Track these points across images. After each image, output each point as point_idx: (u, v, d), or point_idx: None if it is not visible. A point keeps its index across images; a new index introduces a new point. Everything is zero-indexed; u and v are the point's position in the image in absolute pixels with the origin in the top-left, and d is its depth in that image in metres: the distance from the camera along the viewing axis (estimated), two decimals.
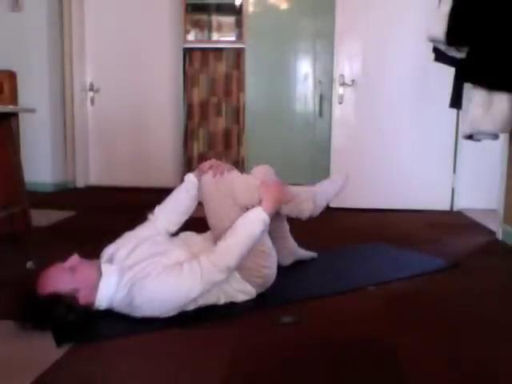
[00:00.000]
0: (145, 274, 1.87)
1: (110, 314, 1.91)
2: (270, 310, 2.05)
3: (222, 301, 2.05)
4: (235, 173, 2.23)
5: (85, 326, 1.81)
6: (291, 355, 1.70)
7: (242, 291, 2.09)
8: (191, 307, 1.98)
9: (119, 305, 1.89)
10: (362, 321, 2.00)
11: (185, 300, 1.91)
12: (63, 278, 1.83)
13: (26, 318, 1.80)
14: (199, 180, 2.23)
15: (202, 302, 2.00)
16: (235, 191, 2.13)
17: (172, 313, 1.92)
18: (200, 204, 2.25)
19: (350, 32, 4.22)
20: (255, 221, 2.04)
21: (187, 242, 2.14)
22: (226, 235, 2.00)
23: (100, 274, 1.91)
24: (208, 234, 2.23)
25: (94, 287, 1.87)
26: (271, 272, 2.17)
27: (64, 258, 1.90)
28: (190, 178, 2.26)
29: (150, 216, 2.25)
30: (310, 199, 2.38)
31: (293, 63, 4.97)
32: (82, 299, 1.83)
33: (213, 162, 2.22)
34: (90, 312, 1.86)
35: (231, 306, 2.06)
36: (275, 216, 2.48)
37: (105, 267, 1.95)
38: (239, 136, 5.12)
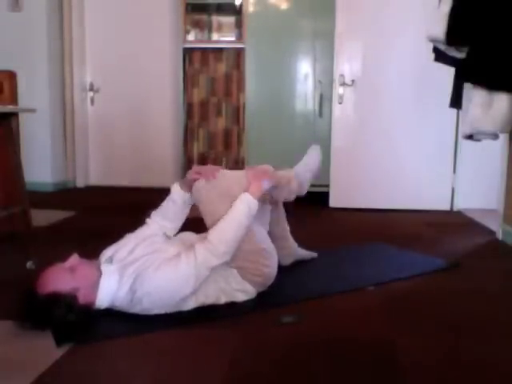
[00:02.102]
0: (146, 266, 1.90)
1: (110, 313, 1.92)
2: (270, 310, 2.05)
3: (223, 300, 2.06)
4: (223, 171, 2.24)
5: (85, 325, 1.81)
6: (291, 355, 1.70)
7: (241, 290, 2.09)
8: (191, 305, 1.98)
9: (121, 302, 1.90)
10: (362, 321, 2.00)
11: (184, 288, 1.91)
12: (63, 277, 1.84)
13: (25, 318, 1.80)
14: (187, 191, 2.23)
15: (202, 300, 2.00)
16: (231, 188, 2.15)
17: (172, 307, 1.92)
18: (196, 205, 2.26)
19: (350, 32, 4.23)
20: (239, 203, 2.06)
21: (185, 241, 2.14)
22: (217, 223, 2.03)
23: (100, 273, 1.92)
24: (201, 234, 2.23)
25: (95, 287, 1.88)
26: (271, 271, 2.17)
27: (64, 258, 1.91)
28: (176, 189, 2.26)
29: (148, 220, 2.27)
30: (293, 179, 2.45)
31: (293, 63, 4.97)
32: (82, 299, 1.83)
33: (196, 168, 2.24)
34: (90, 312, 1.87)
35: (231, 305, 2.06)
36: (275, 216, 2.49)
37: (105, 267, 1.95)
38: (239, 136, 5.12)
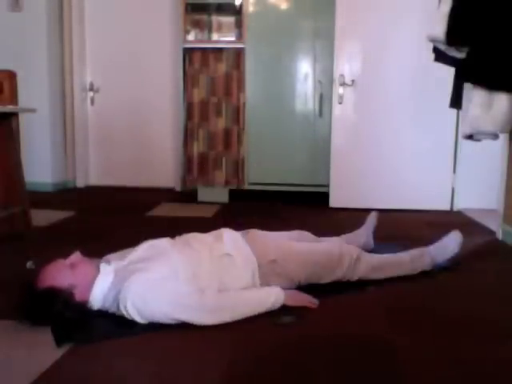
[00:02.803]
0: (135, 273, 1.86)
1: (109, 314, 1.91)
2: (270, 311, 2.04)
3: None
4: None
5: (81, 323, 1.81)
6: (291, 355, 1.70)
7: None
8: None
9: (111, 305, 1.89)
10: (362, 321, 2.00)
11: (165, 317, 1.85)
12: (62, 273, 1.85)
13: (25, 313, 1.82)
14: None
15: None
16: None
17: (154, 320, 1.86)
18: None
19: (350, 32, 4.23)
20: (272, 293, 2.02)
21: (189, 242, 2.13)
22: (244, 290, 2.02)
23: (98, 272, 1.92)
24: (211, 233, 2.23)
25: (91, 285, 1.88)
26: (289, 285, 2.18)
27: (65, 256, 1.92)
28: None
29: None
30: (426, 254, 2.47)
31: (293, 63, 4.97)
32: (79, 296, 1.84)
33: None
34: (84, 309, 1.87)
35: None
36: None
37: (103, 266, 1.95)
38: (239, 136, 5.11)
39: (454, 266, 2.71)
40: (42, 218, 3.58)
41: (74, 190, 5.31)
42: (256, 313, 1.96)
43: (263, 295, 2.02)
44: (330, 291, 2.28)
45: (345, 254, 2.26)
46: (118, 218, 3.83)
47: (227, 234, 2.20)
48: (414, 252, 2.50)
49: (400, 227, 3.69)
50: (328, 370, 1.61)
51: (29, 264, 2.53)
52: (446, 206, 4.34)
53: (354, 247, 2.36)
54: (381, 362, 1.67)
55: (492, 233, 3.50)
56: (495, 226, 3.49)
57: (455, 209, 4.34)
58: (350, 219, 3.94)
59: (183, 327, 1.87)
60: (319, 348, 1.76)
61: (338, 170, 4.34)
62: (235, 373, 1.59)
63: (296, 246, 2.25)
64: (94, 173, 5.56)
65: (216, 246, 2.09)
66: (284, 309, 2.02)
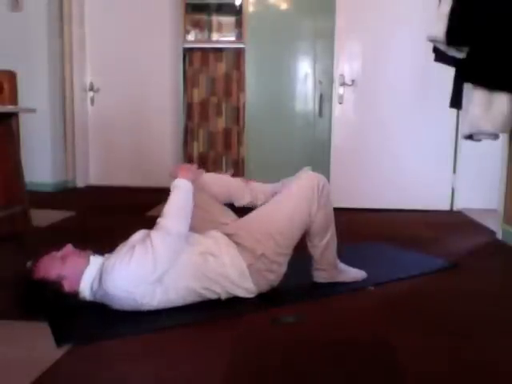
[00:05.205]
0: (107, 263, 1.91)
1: (109, 314, 1.92)
2: (270, 310, 2.05)
3: (219, 290, 2.04)
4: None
5: (73, 311, 1.88)
6: (291, 355, 1.70)
7: (241, 287, 2.08)
8: (193, 296, 1.98)
9: (101, 295, 1.91)
10: (362, 321, 2.00)
11: (147, 276, 1.88)
12: (53, 265, 1.90)
13: (23, 306, 1.90)
14: None
15: (203, 293, 2.00)
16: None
17: (145, 294, 1.89)
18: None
19: (350, 32, 4.23)
20: (174, 188, 2.11)
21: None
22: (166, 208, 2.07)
23: (88, 263, 1.95)
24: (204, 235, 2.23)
25: (80, 276, 1.92)
26: (284, 270, 2.18)
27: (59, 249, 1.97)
28: None
29: None
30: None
31: (293, 63, 4.97)
32: (68, 287, 1.88)
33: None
34: (76, 299, 1.91)
35: (231, 306, 2.06)
36: None
37: (92, 258, 1.98)
38: (239, 136, 5.12)
39: (453, 266, 2.71)
40: (42, 217, 3.58)
41: (74, 190, 5.31)
42: (190, 205, 2.05)
43: (175, 195, 2.07)
44: (330, 291, 2.28)
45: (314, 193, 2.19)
46: (118, 217, 3.84)
47: (215, 234, 2.18)
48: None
49: (400, 227, 3.69)
50: (328, 369, 1.61)
51: (29, 264, 2.52)
52: (446, 206, 4.34)
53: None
54: (381, 361, 1.67)
55: (492, 233, 3.50)
56: (495, 226, 3.49)
57: (455, 209, 4.34)
58: (350, 219, 3.95)
59: (183, 327, 1.88)
60: (319, 348, 1.76)
61: (338, 170, 4.34)
62: (235, 373, 1.59)
63: (276, 225, 2.15)
64: (94, 173, 5.56)
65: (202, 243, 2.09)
66: (284, 309, 2.02)
